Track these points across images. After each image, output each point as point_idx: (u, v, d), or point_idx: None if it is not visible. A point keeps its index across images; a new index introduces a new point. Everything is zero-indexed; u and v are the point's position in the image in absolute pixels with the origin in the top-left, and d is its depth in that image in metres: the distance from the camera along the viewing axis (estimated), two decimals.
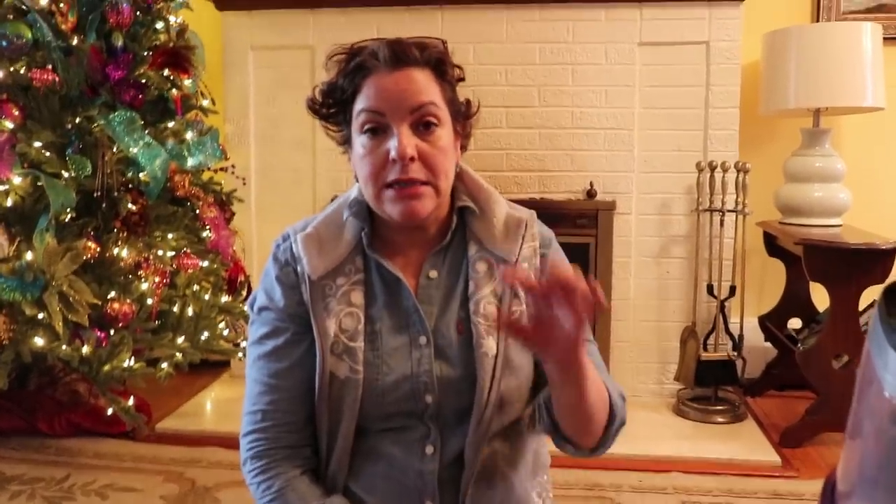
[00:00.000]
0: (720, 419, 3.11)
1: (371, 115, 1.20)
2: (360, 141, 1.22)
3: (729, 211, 3.19)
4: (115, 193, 2.71)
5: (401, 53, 1.21)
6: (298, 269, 1.27)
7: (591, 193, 3.34)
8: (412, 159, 1.18)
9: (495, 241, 1.29)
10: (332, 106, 1.27)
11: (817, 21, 3.50)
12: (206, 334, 2.97)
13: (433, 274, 1.30)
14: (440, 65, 1.25)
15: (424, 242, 1.31)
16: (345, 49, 1.26)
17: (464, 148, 1.33)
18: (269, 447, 1.26)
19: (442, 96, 1.24)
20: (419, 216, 1.22)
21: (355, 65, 1.21)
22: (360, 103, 1.21)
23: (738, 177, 3.15)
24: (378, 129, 1.20)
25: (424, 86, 1.21)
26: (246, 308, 1.37)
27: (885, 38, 3.15)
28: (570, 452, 1.28)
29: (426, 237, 1.31)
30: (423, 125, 1.21)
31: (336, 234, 1.29)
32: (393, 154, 1.18)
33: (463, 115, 1.30)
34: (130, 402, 2.82)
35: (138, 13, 2.86)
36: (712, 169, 3.15)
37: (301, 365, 1.26)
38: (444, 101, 1.24)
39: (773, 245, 3.42)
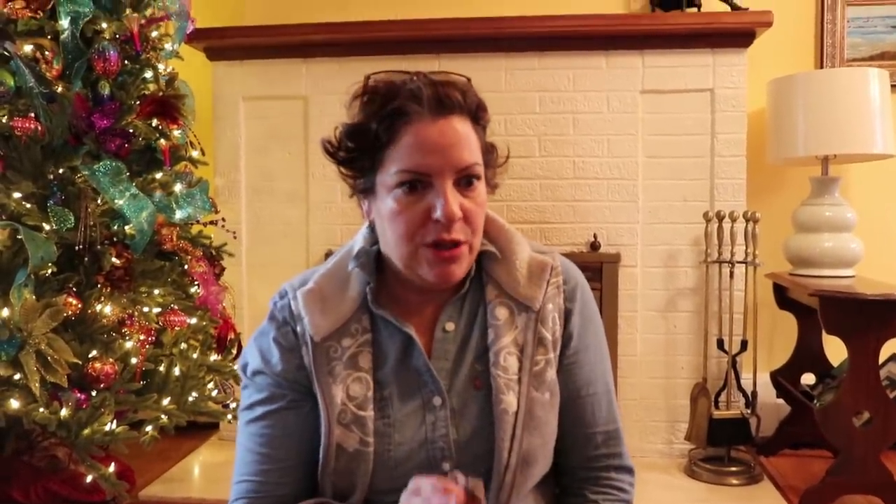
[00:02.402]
0: (735, 481, 2.96)
1: (413, 175, 1.07)
2: (393, 195, 1.08)
3: (738, 262, 3.09)
4: (99, 247, 2.58)
5: (444, 98, 1.08)
6: (298, 328, 1.15)
7: (594, 245, 3.24)
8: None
9: (517, 287, 1.18)
10: (355, 151, 1.12)
11: (821, 68, 3.44)
12: (193, 395, 2.81)
13: (450, 327, 1.18)
14: (478, 111, 1.14)
15: (440, 293, 1.18)
16: (376, 85, 1.10)
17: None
18: None
19: (480, 146, 1.13)
20: (455, 280, 1.12)
21: (393, 109, 1.07)
22: (398, 156, 1.07)
23: (747, 227, 3.05)
24: (417, 185, 1.07)
25: (468, 139, 1.09)
26: (237, 370, 1.24)
27: (892, 86, 3.10)
28: None
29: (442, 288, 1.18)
30: (464, 181, 1.09)
31: (340, 290, 1.17)
32: (438, 214, 1.06)
33: (493, 164, 1.19)
34: (111, 468, 2.64)
35: (126, 62, 2.76)
36: (720, 219, 3.05)
37: (297, 435, 1.14)
38: (482, 151, 1.13)
39: (783, 297, 3.30)
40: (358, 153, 1.12)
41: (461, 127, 1.09)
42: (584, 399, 1.21)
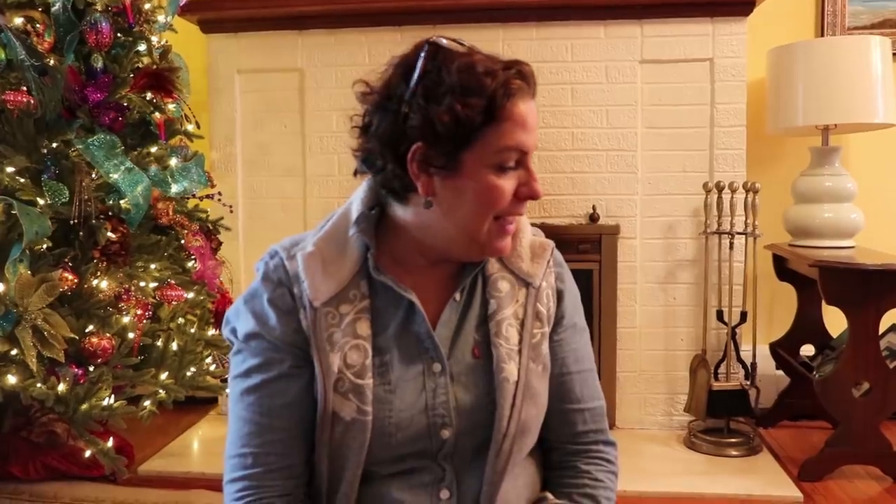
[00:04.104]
0: (734, 452, 2.96)
1: (518, 154, 1.07)
2: (492, 172, 1.06)
3: (738, 233, 3.07)
4: (94, 221, 2.56)
5: (533, 76, 1.09)
6: (295, 290, 1.11)
7: (593, 217, 3.21)
8: None
9: (520, 262, 1.19)
10: (464, 126, 1.04)
11: (822, 36, 3.40)
12: (191, 370, 2.81)
13: (457, 296, 1.17)
14: None
15: (444, 262, 1.18)
16: (482, 59, 1.06)
17: None
18: (261, 496, 1.11)
19: None
20: (509, 251, 1.16)
21: (513, 88, 1.05)
22: (503, 133, 1.04)
23: (746, 197, 3.02)
24: (514, 164, 1.08)
25: None
26: (225, 336, 1.20)
27: (894, 54, 3.07)
28: None
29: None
30: None
31: (339, 254, 1.14)
32: (530, 192, 1.09)
33: None
34: (110, 443, 2.65)
35: (119, 34, 2.73)
36: (720, 190, 3.03)
37: (299, 402, 1.11)
38: None
39: (783, 268, 3.29)
40: (463, 128, 1.04)
41: None
42: (573, 376, 1.23)
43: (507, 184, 1.07)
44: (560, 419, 1.23)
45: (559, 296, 1.23)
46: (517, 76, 1.05)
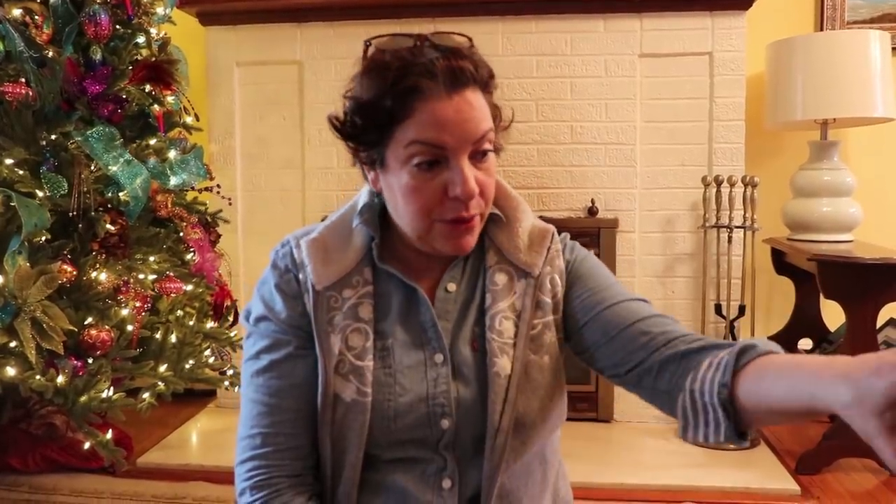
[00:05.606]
0: (732, 445, 2.96)
1: (428, 149, 1.04)
2: (408, 170, 1.05)
3: (737, 227, 3.07)
4: (93, 214, 2.56)
5: (458, 72, 1.04)
6: (300, 276, 1.14)
7: (592, 211, 3.22)
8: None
9: (518, 253, 1.18)
10: (365, 127, 1.09)
11: (821, 31, 3.40)
12: (190, 362, 2.81)
13: (451, 287, 1.17)
14: (489, 79, 1.10)
15: (430, 255, 1.17)
16: (386, 58, 1.05)
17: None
18: (271, 476, 1.12)
19: (491, 115, 1.10)
20: (469, 249, 1.11)
21: (407, 86, 1.03)
22: (411, 132, 1.03)
23: (745, 191, 3.03)
24: (433, 162, 1.05)
25: (482, 111, 1.06)
26: (241, 321, 1.24)
27: (893, 48, 3.07)
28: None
29: None
30: (479, 153, 1.07)
31: (343, 242, 1.16)
32: (457, 192, 1.04)
33: (499, 127, 1.15)
34: (109, 435, 2.65)
35: (118, 26, 2.72)
36: (718, 184, 3.04)
37: (307, 383, 1.12)
38: (493, 119, 1.10)
39: (781, 262, 3.30)
40: (367, 129, 1.09)
41: (474, 99, 1.06)
42: (610, 308, 1.14)
43: (428, 184, 1.05)
44: (632, 346, 1.11)
45: (567, 266, 1.19)
46: (426, 76, 1.02)
